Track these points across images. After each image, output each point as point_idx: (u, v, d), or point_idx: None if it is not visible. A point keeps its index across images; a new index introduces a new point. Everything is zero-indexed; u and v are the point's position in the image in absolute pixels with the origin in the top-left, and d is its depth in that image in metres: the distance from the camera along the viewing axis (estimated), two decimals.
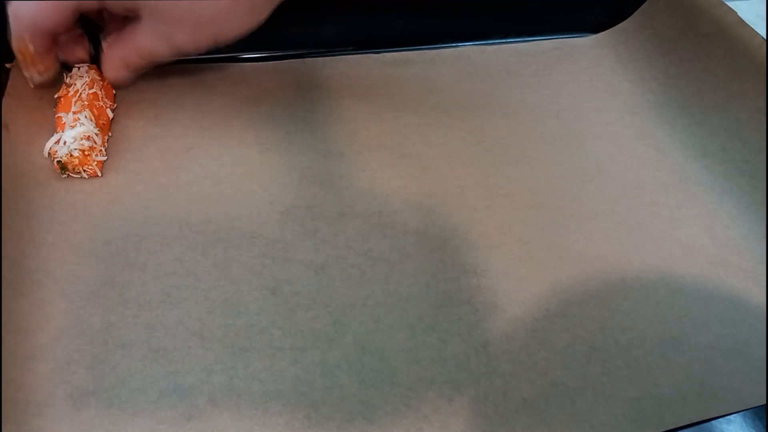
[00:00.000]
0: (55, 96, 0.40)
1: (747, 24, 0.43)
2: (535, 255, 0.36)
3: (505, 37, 0.51)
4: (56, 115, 0.39)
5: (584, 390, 0.30)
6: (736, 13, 0.44)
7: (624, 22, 0.51)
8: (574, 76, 0.48)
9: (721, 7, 0.44)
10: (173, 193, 0.38)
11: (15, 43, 0.35)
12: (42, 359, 0.30)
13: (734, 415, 0.30)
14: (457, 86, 0.46)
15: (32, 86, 0.39)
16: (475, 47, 0.50)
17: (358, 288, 0.34)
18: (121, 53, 0.37)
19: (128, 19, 0.36)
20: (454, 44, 0.50)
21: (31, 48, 0.35)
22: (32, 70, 0.37)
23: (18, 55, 0.36)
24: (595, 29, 0.52)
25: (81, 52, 0.40)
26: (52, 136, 0.38)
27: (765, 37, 0.42)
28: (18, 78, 0.39)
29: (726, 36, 0.43)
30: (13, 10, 0.34)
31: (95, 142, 0.38)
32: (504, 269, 0.35)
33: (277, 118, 0.43)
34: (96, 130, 0.38)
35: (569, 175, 0.40)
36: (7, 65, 0.39)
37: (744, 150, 0.41)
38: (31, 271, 0.33)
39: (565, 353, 0.32)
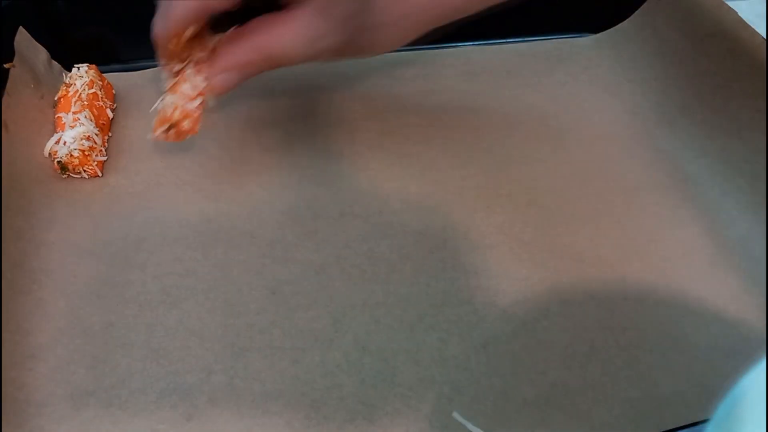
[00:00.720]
0: (56, 97, 0.40)
1: (747, 24, 0.43)
2: (535, 255, 0.36)
3: (505, 37, 0.51)
4: (56, 115, 0.39)
5: (584, 390, 0.30)
6: (736, 13, 0.43)
7: (624, 22, 0.51)
8: (574, 76, 0.48)
9: (721, 7, 0.44)
10: (173, 193, 0.38)
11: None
12: (42, 359, 0.30)
13: None
14: (457, 86, 0.46)
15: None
16: (475, 47, 0.50)
17: (358, 288, 0.34)
18: (241, 52, 0.30)
19: (261, 17, 0.31)
20: (454, 44, 0.50)
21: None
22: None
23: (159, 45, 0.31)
24: (595, 29, 0.52)
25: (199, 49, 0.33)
26: (53, 136, 0.38)
27: (765, 37, 0.42)
28: (18, 78, 0.39)
29: (726, 36, 0.43)
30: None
31: (95, 142, 0.38)
32: (504, 269, 0.35)
33: (277, 119, 0.43)
34: (96, 130, 0.38)
35: (569, 175, 0.40)
36: (6, 65, 0.39)
37: (744, 150, 0.41)
38: (31, 271, 0.33)
39: (565, 353, 0.32)
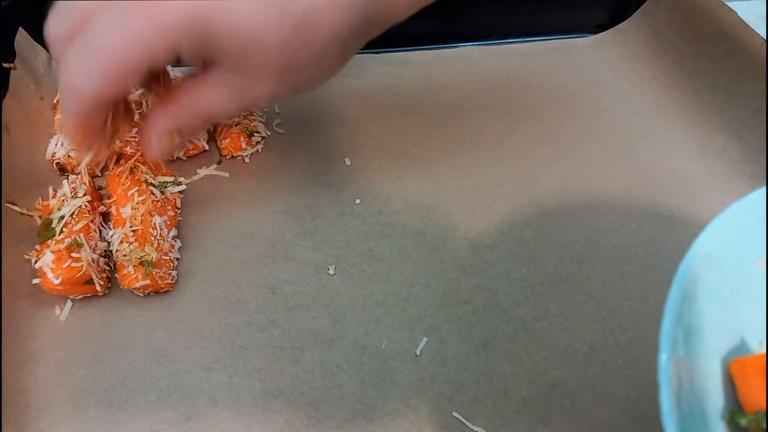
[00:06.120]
0: (55, 99, 0.40)
1: (747, 24, 0.43)
2: (535, 255, 0.36)
3: (505, 37, 0.51)
4: (55, 117, 0.39)
5: (584, 390, 0.30)
6: (736, 13, 0.44)
7: (624, 22, 0.51)
8: (574, 76, 0.48)
9: (721, 7, 0.44)
10: None
11: (72, 120, 0.27)
12: (42, 361, 0.30)
13: None
14: (457, 86, 0.46)
15: (82, 165, 0.34)
16: (475, 47, 0.50)
17: (358, 288, 0.34)
18: (172, 117, 0.29)
19: (187, 77, 0.29)
20: (454, 44, 0.50)
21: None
22: (88, 150, 0.30)
23: (72, 136, 0.29)
24: (595, 29, 0.52)
25: (128, 125, 0.32)
26: (52, 138, 0.38)
27: (765, 37, 0.42)
28: (18, 79, 0.39)
29: (726, 36, 0.43)
30: (69, 77, 0.26)
31: None
32: (504, 269, 0.35)
33: (277, 119, 0.43)
34: None
35: (569, 175, 0.40)
36: (6, 65, 0.39)
37: (744, 150, 0.41)
38: (31, 272, 0.33)
39: (565, 353, 0.32)
